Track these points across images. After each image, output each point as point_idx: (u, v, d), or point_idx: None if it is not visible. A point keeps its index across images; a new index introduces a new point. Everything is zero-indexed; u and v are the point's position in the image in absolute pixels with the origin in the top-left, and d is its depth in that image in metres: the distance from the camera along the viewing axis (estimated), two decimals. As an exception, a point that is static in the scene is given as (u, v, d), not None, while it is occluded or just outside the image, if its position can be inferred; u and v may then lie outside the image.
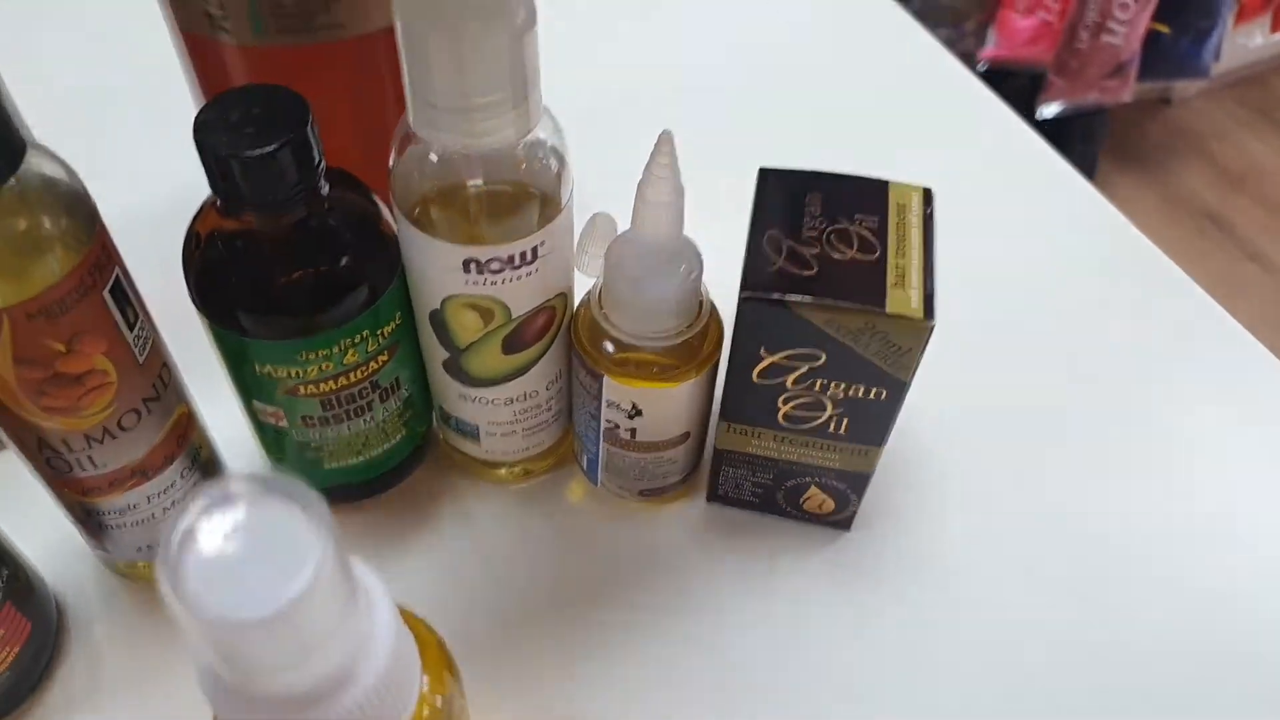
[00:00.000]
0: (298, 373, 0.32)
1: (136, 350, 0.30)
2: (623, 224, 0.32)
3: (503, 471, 0.39)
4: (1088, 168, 1.39)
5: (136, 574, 0.36)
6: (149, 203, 0.41)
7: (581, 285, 0.34)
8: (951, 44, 0.75)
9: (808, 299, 0.29)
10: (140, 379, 0.30)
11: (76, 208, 0.27)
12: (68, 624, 0.35)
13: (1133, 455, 0.41)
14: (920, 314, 0.29)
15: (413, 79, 0.27)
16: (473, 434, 0.37)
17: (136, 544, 0.34)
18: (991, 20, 1.31)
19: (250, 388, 0.33)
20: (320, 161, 0.29)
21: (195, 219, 0.31)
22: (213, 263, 0.30)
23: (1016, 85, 1.27)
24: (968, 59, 0.97)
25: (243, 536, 0.16)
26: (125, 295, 0.29)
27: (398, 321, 0.33)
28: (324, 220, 0.30)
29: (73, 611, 0.35)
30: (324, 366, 0.32)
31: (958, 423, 0.41)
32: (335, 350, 0.31)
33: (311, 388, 0.32)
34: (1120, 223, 0.50)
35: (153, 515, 0.33)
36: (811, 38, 0.60)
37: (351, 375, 0.33)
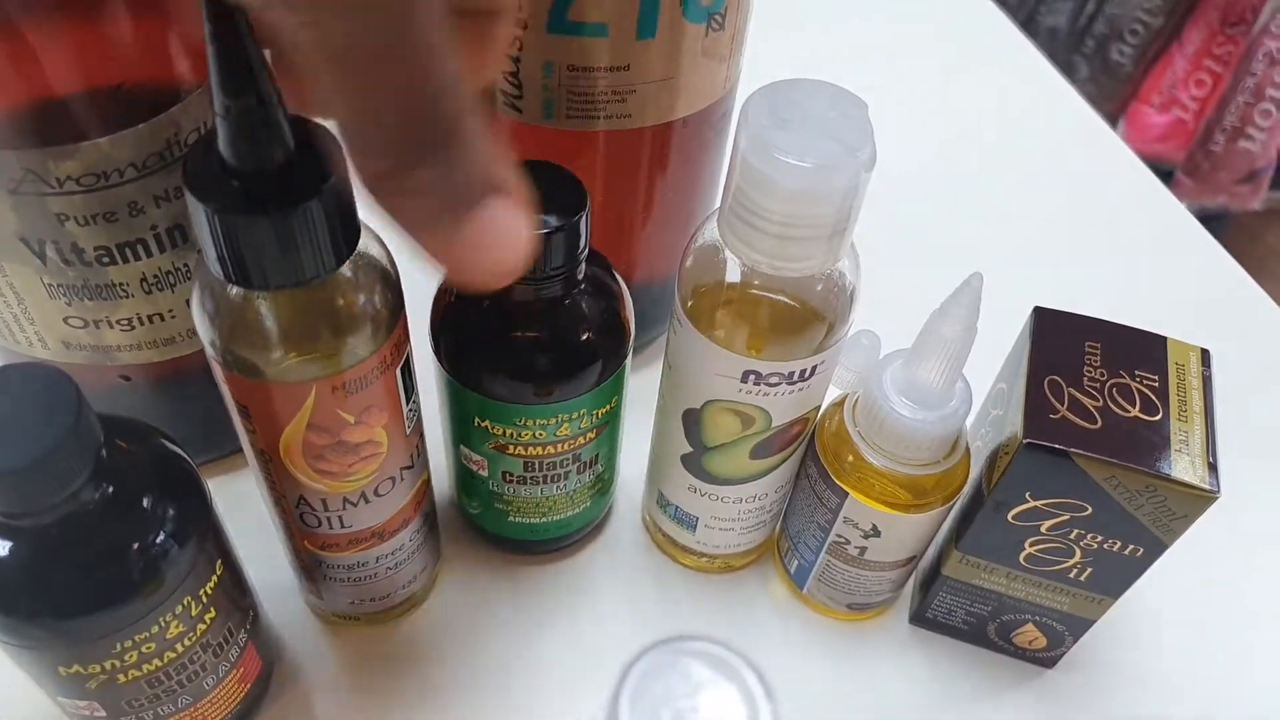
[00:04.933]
0: (512, 434, 0.32)
1: (408, 423, 0.30)
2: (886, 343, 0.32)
3: (703, 560, 0.39)
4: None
5: (342, 623, 0.37)
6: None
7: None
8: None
9: (1093, 454, 0.29)
10: (404, 449, 0.31)
11: (389, 288, 0.27)
12: (278, 665, 0.36)
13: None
14: (1206, 485, 0.29)
15: (737, 195, 0.27)
16: (690, 524, 0.37)
17: (351, 598, 0.35)
18: (1123, 112, 1.29)
19: (462, 434, 0.34)
20: (586, 248, 0.30)
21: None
22: (463, 316, 0.31)
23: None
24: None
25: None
26: (410, 372, 0.29)
27: (613, 405, 0.34)
28: (576, 301, 0.31)
29: (285, 654, 0.36)
30: (538, 434, 0.32)
31: (1185, 581, 0.39)
32: (552, 421, 0.32)
33: (520, 449, 0.33)
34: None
35: (375, 575, 0.34)
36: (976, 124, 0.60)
37: (560, 446, 0.33)
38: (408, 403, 0.30)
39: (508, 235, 0.19)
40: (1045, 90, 0.65)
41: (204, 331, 0.26)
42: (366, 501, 0.31)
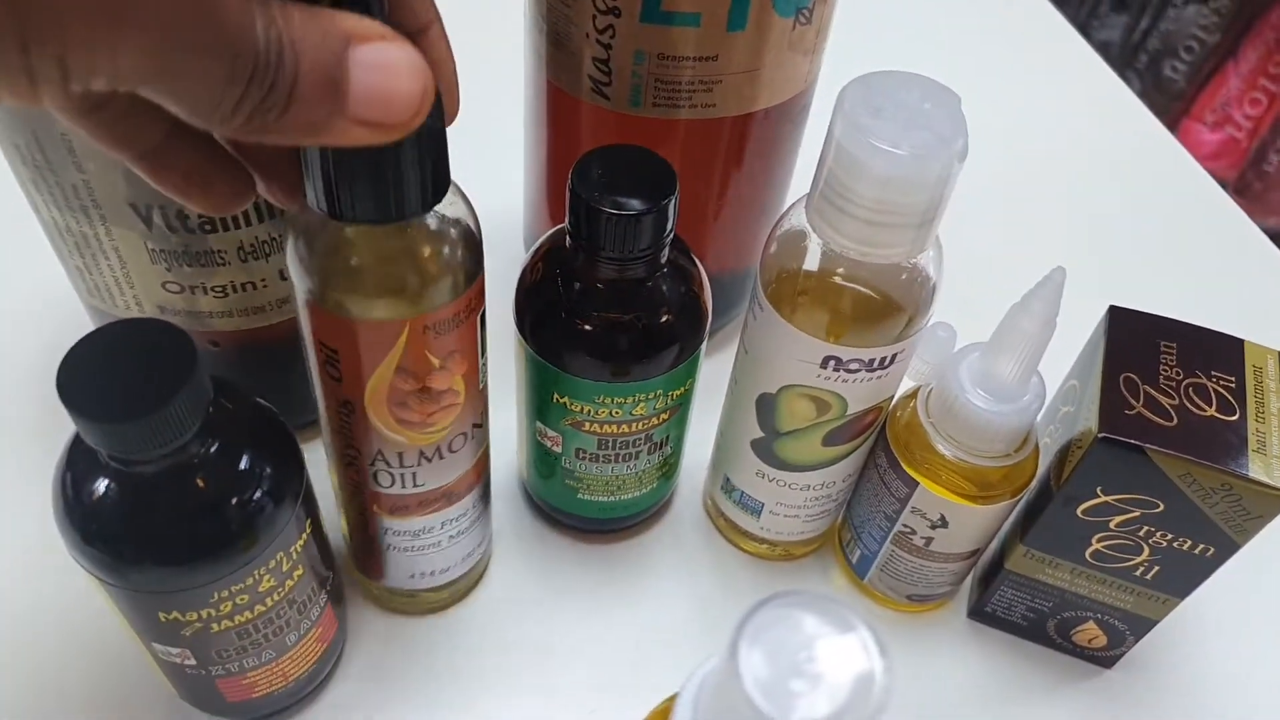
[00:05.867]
0: (589, 410, 0.33)
1: (481, 377, 0.31)
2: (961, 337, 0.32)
3: (764, 548, 0.39)
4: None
5: (398, 601, 0.37)
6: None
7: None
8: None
9: (1168, 451, 0.29)
10: (476, 405, 0.31)
11: (472, 242, 0.28)
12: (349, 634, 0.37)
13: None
14: (1283, 485, 0.29)
15: (829, 181, 0.28)
16: (755, 510, 0.37)
17: (413, 571, 0.35)
18: (1174, 129, 1.28)
19: (540, 409, 0.35)
20: (671, 232, 0.31)
21: (539, 250, 0.33)
22: (548, 294, 0.32)
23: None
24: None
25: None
26: (485, 325, 0.30)
27: (686, 388, 0.34)
28: (657, 283, 0.32)
29: (356, 623, 0.37)
30: (614, 412, 0.33)
31: (1251, 584, 0.39)
32: (628, 401, 0.33)
33: (595, 426, 0.34)
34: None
35: (439, 543, 0.34)
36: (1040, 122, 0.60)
37: (634, 425, 0.34)
38: (482, 355, 0.30)
39: (391, 69, 0.19)
40: (1108, 96, 0.65)
41: (299, 275, 0.27)
42: (440, 457, 0.31)
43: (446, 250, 0.27)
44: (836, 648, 0.17)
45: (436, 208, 0.26)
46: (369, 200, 0.24)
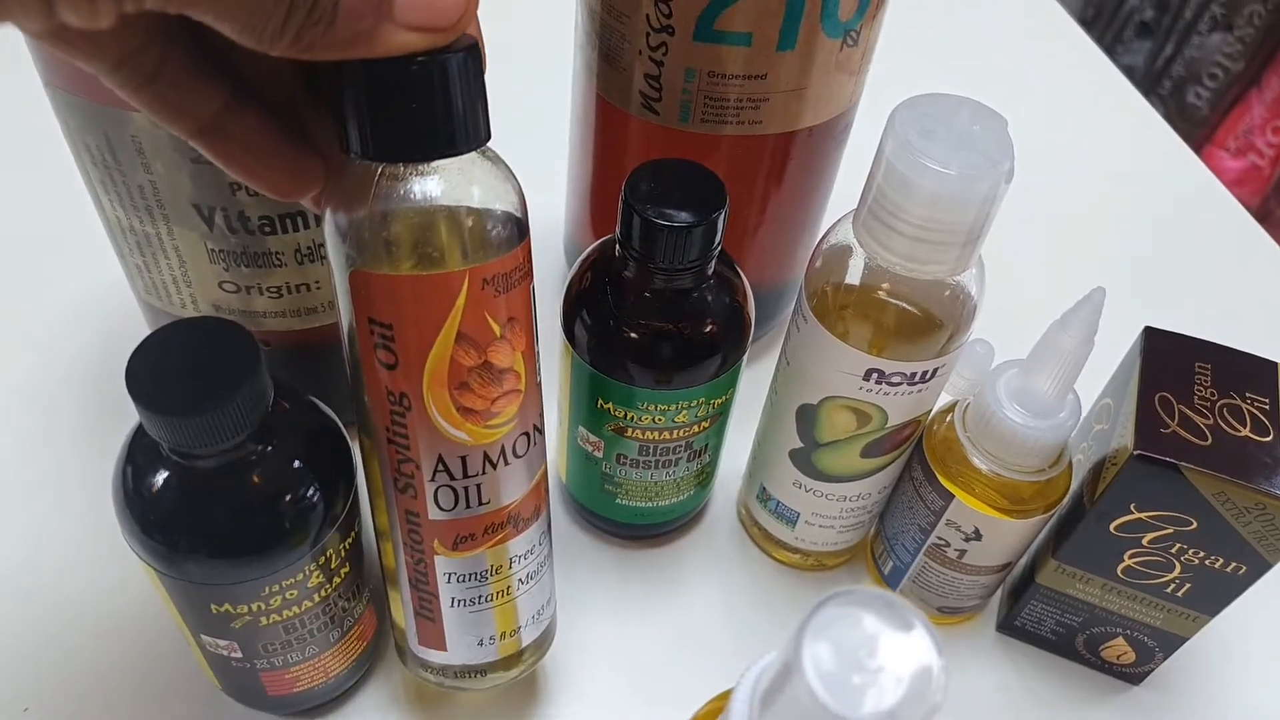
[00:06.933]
0: (633, 417, 0.34)
1: (537, 366, 0.29)
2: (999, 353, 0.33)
3: (797, 558, 0.40)
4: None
5: (462, 687, 0.33)
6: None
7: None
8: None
9: (1203, 469, 0.30)
10: (534, 400, 0.30)
11: (520, 195, 0.27)
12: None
13: None
14: (1317, 506, 0.29)
15: (878, 198, 0.28)
16: (790, 520, 0.38)
17: (480, 635, 0.32)
18: (1196, 155, 1.29)
19: (583, 414, 0.35)
20: (719, 244, 0.31)
21: (588, 259, 0.34)
22: (596, 302, 0.33)
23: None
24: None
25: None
26: (536, 310, 0.29)
27: (727, 397, 0.35)
28: (703, 294, 0.33)
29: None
30: (657, 419, 0.34)
31: None
32: (671, 408, 0.34)
33: (638, 432, 0.35)
34: None
35: (507, 589, 0.31)
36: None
37: (675, 432, 0.35)
38: (537, 342, 0.29)
39: None
40: (1136, 120, 0.66)
41: (343, 248, 0.26)
42: (505, 463, 0.29)
43: (498, 194, 0.26)
44: (896, 644, 0.17)
45: (484, 150, 0.25)
46: (421, 132, 0.23)
